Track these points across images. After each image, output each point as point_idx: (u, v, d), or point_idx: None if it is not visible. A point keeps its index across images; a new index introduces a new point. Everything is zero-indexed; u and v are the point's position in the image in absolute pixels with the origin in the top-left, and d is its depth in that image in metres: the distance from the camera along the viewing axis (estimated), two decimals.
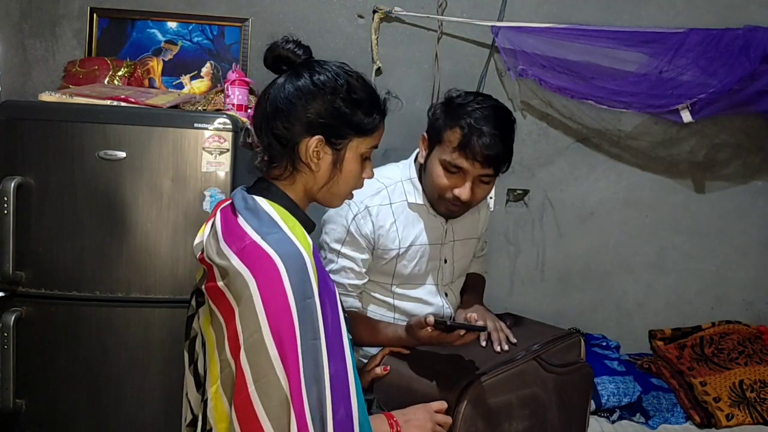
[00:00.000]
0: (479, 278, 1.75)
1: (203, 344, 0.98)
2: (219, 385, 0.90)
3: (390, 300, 1.51)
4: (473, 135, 1.33)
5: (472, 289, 1.67)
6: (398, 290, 1.50)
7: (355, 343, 1.31)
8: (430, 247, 1.49)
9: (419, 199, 1.48)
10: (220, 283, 0.91)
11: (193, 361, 1.03)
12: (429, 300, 1.52)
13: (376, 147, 1.07)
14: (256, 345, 0.84)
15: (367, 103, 1.02)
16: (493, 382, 1.18)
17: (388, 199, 1.46)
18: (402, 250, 1.46)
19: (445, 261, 1.54)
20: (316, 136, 0.97)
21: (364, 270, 1.44)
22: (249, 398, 0.84)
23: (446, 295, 1.56)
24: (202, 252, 0.97)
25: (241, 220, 0.94)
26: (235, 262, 0.88)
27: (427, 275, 1.52)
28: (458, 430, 1.11)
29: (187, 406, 1.05)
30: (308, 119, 0.97)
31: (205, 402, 0.94)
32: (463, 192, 1.37)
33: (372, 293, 1.50)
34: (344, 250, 1.42)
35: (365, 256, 1.43)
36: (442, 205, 1.45)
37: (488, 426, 1.16)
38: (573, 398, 1.40)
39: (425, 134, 1.46)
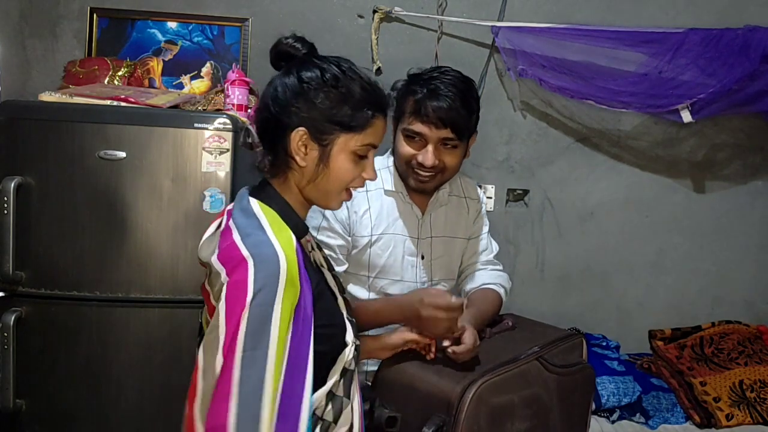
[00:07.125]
0: (481, 294, 1.52)
1: None
2: None
3: (367, 296, 1.50)
4: (426, 99, 1.35)
5: (470, 307, 1.37)
6: (376, 283, 1.50)
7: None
8: (406, 240, 1.49)
9: (395, 186, 1.50)
10: (205, 282, 0.95)
11: None
12: None
13: (375, 146, 1.03)
14: (211, 342, 0.83)
15: (358, 99, 0.99)
16: (496, 381, 1.18)
17: (364, 187, 1.47)
18: (374, 238, 1.46)
19: (423, 257, 1.53)
20: (300, 129, 0.97)
21: (342, 257, 1.45)
22: (194, 392, 0.82)
23: None
24: None
25: (231, 222, 0.95)
26: (215, 261, 0.90)
27: (405, 270, 1.51)
28: (461, 428, 1.11)
29: None
30: (293, 113, 0.98)
31: None
32: (426, 157, 1.38)
33: (350, 285, 1.49)
34: (320, 237, 1.42)
35: (342, 242, 1.44)
36: (412, 178, 1.45)
37: (491, 425, 1.15)
38: (575, 399, 1.40)
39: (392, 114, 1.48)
